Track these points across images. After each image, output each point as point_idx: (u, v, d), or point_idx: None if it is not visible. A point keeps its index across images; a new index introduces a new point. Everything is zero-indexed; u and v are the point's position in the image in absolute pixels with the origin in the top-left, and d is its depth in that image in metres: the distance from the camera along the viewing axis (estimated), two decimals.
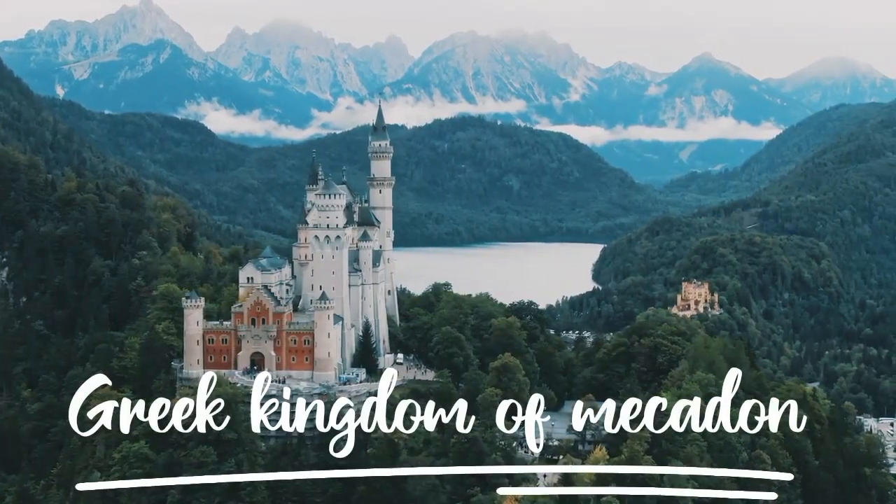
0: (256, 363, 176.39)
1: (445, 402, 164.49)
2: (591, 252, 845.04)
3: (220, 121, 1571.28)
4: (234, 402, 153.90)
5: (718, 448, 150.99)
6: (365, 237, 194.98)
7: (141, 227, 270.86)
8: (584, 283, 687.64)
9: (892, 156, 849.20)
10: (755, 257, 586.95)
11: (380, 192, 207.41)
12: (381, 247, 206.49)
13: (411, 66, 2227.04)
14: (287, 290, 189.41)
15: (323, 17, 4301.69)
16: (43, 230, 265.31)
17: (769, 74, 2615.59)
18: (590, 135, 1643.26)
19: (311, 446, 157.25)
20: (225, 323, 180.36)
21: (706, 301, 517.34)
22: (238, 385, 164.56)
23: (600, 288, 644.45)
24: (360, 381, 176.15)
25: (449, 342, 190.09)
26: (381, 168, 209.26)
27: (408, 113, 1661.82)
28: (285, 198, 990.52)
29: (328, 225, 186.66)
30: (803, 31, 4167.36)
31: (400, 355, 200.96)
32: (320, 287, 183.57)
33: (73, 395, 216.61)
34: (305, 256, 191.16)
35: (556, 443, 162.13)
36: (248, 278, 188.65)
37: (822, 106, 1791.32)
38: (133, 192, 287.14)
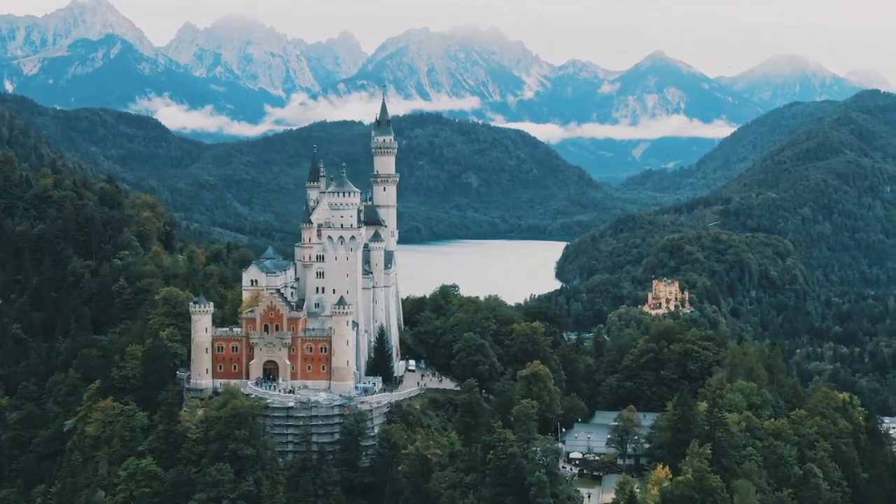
0: (270, 372, 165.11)
1: (472, 414, 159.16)
2: (552, 249, 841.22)
3: (172, 116, 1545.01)
4: (252, 415, 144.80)
5: (773, 463, 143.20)
6: (376, 237, 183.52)
7: (121, 226, 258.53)
8: (547, 281, 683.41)
9: (850, 153, 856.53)
10: (721, 255, 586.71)
11: (384, 189, 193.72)
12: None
13: (365, 62, 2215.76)
14: (292, 294, 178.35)
15: (275, 13, 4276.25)
16: (19, 229, 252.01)
17: (720, 72, 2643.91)
18: (544, 132, 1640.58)
19: (333, 461, 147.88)
20: (235, 329, 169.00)
21: (677, 299, 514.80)
22: (252, 396, 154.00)
23: (567, 286, 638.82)
24: (379, 391, 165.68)
25: (472, 349, 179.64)
26: (386, 164, 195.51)
27: (362, 109, 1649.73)
28: (241, 194, 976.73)
29: (342, 224, 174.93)
30: (754, 29, 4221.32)
31: (412, 362, 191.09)
32: (333, 290, 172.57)
33: (55, 402, 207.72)
34: (310, 257, 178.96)
35: (595, 457, 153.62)
36: (252, 281, 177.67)
37: (772, 104, 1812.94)
38: (112, 189, 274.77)
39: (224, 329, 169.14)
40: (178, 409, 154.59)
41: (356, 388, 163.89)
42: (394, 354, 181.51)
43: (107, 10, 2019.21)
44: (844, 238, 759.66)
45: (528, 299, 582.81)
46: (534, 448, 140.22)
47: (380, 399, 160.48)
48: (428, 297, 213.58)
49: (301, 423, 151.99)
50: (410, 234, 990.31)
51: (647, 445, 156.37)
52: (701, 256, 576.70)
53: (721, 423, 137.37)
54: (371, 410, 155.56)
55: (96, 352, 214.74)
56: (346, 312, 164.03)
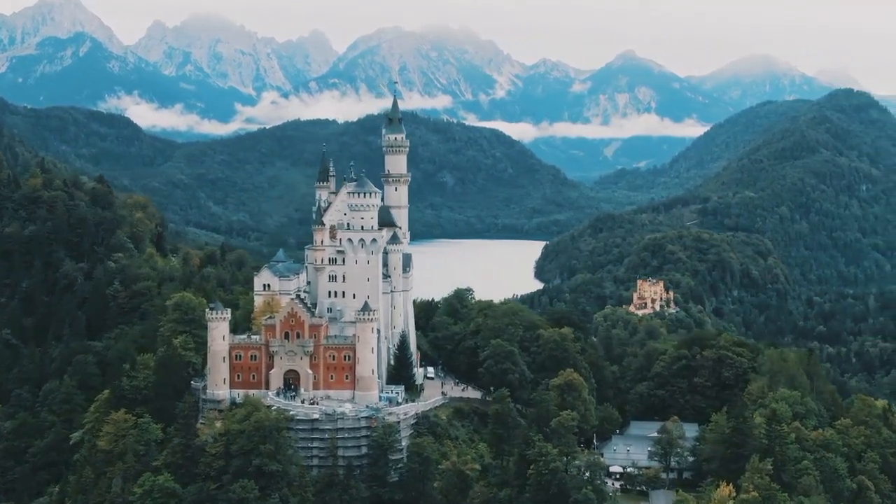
0: (291, 382, 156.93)
1: (505, 426, 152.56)
2: (529, 249, 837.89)
3: (142, 115, 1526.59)
4: (277, 428, 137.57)
5: (828, 477, 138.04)
6: (394, 239, 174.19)
7: (114, 227, 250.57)
8: (527, 281, 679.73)
9: (827, 152, 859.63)
10: (703, 254, 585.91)
11: (395, 189, 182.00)
12: None
13: (336, 60, 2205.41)
14: (304, 298, 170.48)
15: (245, 11, 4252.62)
16: (8, 230, 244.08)
17: (690, 72, 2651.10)
18: (517, 131, 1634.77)
19: (360, 476, 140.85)
20: (253, 337, 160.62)
21: (662, 299, 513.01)
22: (274, 408, 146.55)
23: (550, 286, 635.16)
24: (404, 401, 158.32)
25: (501, 357, 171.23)
26: (397, 163, 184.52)
27: (333, 108, 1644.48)
28: (215, 193, 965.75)
29: (362, 227, 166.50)
30: (724, 29, 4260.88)
31: (430, 369, 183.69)
32: (353, 295, 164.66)
33: (50, 410, 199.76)
34: (322, 260, 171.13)
35: (637, 471, 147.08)
36: (264, 285, 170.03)
37: (742, 103, 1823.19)
38: (103, 190, 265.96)
39: (241, 336, 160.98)
40: (195, 422, 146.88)
41: (380, 398, 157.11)
42: (415, 362, 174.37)
43: (75, 8, 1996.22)
44: (822, 237, 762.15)
45: (511, 300, 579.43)
46: (576, 462, 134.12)
47: (407, 410, 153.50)
48: (441, 300, 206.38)
49: (326, 436, 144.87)
50: None
51: (690, 458, 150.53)
52: (683, 256, 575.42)
53: (781, 436, 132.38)
54: (398, 422, 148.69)
55: (92, 358, 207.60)
56: (372, 319, 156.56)
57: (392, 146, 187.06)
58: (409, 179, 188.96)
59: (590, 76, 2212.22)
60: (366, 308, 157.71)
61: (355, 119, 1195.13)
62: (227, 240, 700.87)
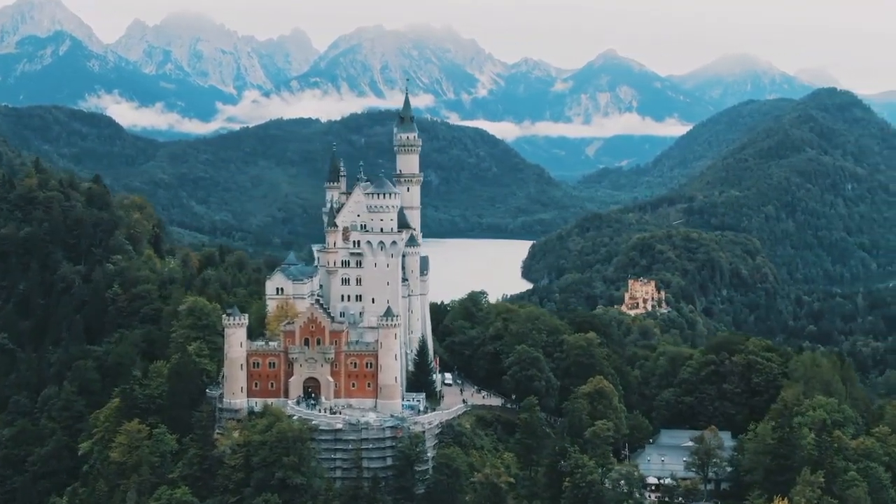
0: (311, 390, 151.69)
1: (534, 436, 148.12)
2: (515, 248, 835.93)
3: (122, 114, 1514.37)
4: (301, 439, 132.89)
5: (874, 488, 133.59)
6: (412, 241, 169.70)
7: (112, 228, 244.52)
8: (515, 281, 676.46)
9: (812, 151, 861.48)
10: (693, 254, 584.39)
11: (407, 189, 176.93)
12: None
13: (317, 59, 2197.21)
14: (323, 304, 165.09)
15: (225, 10, 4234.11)
16: (3, 232, 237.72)
17: (671, 71, 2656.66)
18: (499, 130, 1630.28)
19: (386, 489, 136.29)
20: (271, 344, 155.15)
21: (654, 299, 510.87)
22: (296, 418, 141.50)
23: (539, 286, 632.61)
24: (426, 409, 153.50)
25: (527, 363, 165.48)
26: (409, 163, 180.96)
27: (315, 107, 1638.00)
28: (198, 193, 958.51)
29: (382, 229, 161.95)
30: (704, 28, 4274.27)
31: (447, 375, 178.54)
32: (372, 300, 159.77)
33: (49, 417, 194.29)
34: (334, 263, 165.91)
35: (675, 482, 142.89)
36: (277, 289, 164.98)
37: (723, 102, 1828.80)
38: (100, 190, 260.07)
39: (259, 343, 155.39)
40: (212, 432, 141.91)
41: (403, 406, 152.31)
42: (435, 368, 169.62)
43: (55, 7, 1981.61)
44: (808, 236, 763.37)
45: (500, 300, 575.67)
46: (613, 475, 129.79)
47: (431, 419, 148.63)
48: (452, 303, 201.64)
49: (350, 446, 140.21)
50: None
51: (728, 469, 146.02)
52: (673, 255, 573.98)
53: (831, 447, 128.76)
54: (424, 432, 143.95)
55: (92, 363, 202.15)
56: (395, 325, 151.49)
57: (404, 145, 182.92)
58: (422, 179, 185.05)
59: (571, 75, 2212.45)
60: (389, 314, 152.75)
61: (339, 118, 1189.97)
62: (211, 239, 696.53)
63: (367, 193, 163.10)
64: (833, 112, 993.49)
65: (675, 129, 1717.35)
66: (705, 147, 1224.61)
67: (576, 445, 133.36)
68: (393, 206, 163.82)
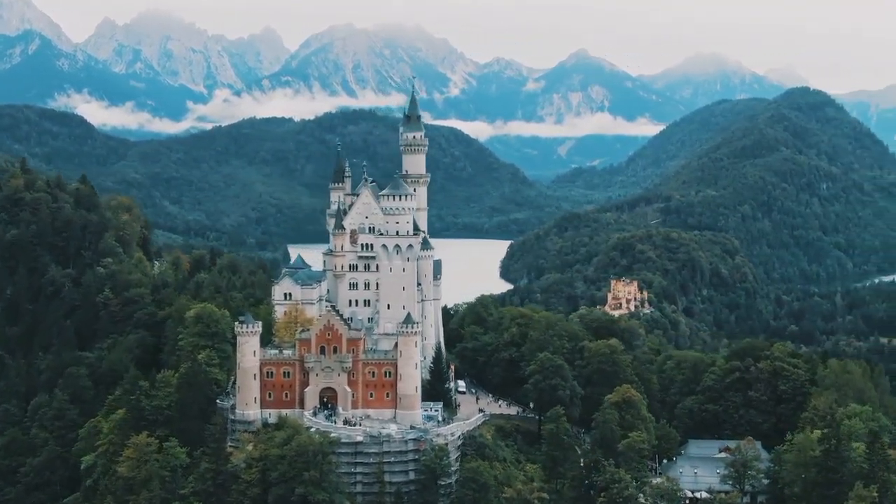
0: (328, 401, 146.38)
1: (560, 447, 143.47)
2: (491, 248, 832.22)
3: (92, 113, 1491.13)
4: (322, 453, 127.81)
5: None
6: (426, 244, 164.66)
7: (101, 231, 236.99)
8: (493, 281, 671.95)
9: (787, 150, 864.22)
10: (673, 253, 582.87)
11: (414, 190, 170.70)
12: None
13: (288, 58, 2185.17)
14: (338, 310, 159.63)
15: (195, 9, 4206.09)
16: None
17: (642, 71, 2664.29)
18: (472, 130, 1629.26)
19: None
20: (286, 352, 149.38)
21: (637, 299, 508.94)
22: (314, 430, 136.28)
23: (519, 285, 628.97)
24: (445, 420, 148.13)
25: (550, 371, 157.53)
26: (416, 163, 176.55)
27: (286, 106, 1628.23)
28: (171, 193, 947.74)
29: (398, 232, 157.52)
30: (675, 28, 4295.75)
31: (461, 383, 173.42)
32: (388, 305, 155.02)
33: (42, 426, 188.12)
34: (342, 267, 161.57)
35: (709, 495, 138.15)
36: (285, 294, 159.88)
37: (694, 102, 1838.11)
38: (88, 191, 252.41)
39: (273, 352, 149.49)
40: (225, 445, 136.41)
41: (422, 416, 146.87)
42: (450, 376, 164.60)
43: (24, 6, 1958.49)
44: (784, 235, 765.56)
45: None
46: (649, 489, 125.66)
47: (454, 430, 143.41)
48: (457, 307, 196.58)
49: (372, 460, 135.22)
50: None
51: (765, 481, 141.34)
52: (653, 255, 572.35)
53: (885, 460, 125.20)
54: (447, 444, 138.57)
55: (84, 370, 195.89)
56: (415, 332, 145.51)
57: (411, 145, 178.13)
58: (429, 180, 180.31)
59: (543, 75, 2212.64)
60: (409, 320, 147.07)
61: (312, 117, 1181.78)
62: (185, 239, 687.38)
63: (383, 195, 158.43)
64: (806, 111, 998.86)
65: (646, 128, 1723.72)
66: (678, 146, 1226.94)
67: (610, 459, 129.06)
68: (409, 209, 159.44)
